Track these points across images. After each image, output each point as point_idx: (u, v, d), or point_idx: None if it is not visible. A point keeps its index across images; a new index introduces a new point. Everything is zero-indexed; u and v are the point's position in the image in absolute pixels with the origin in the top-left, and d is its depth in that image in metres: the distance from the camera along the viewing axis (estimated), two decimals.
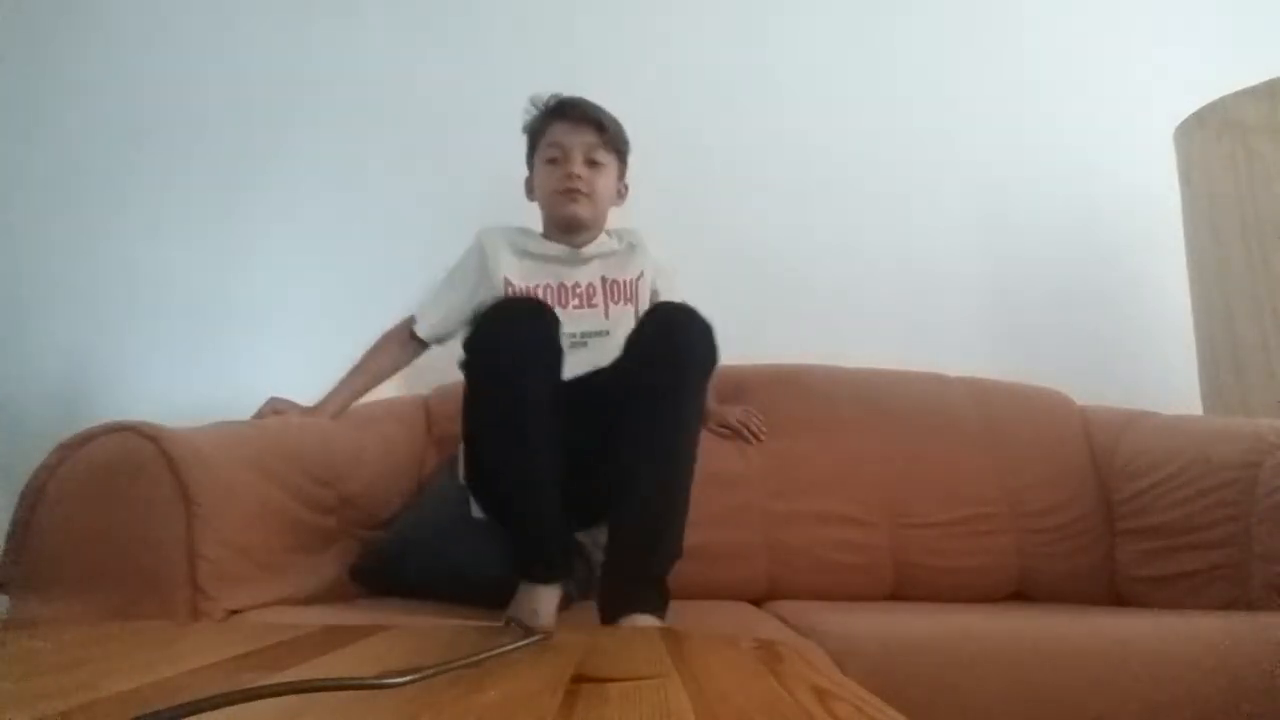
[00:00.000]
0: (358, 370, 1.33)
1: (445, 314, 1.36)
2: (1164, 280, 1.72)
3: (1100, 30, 1.88)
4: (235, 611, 0.90)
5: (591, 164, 1.33)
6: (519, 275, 1.32)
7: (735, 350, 1.45)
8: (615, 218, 1.42)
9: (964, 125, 1.83)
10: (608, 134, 1.35)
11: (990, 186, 1.82)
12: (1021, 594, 1.38)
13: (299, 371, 1.61)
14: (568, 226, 1.35)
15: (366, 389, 1.34)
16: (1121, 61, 1.86)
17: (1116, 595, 1.35)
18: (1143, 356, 1.75)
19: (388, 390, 1.52)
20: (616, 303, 1.33)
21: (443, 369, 1.35)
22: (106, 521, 0.86)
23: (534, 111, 1.38)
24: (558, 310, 1.25)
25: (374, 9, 1.78)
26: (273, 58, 1.75)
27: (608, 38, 1.78)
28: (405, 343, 1.36)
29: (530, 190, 1.42)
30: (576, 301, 1.32)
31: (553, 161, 1.33)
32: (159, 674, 0.47)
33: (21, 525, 0.84)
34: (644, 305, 1.34)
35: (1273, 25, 1.83)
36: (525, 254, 1.35)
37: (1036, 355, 1.72)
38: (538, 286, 1.32)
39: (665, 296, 1.35)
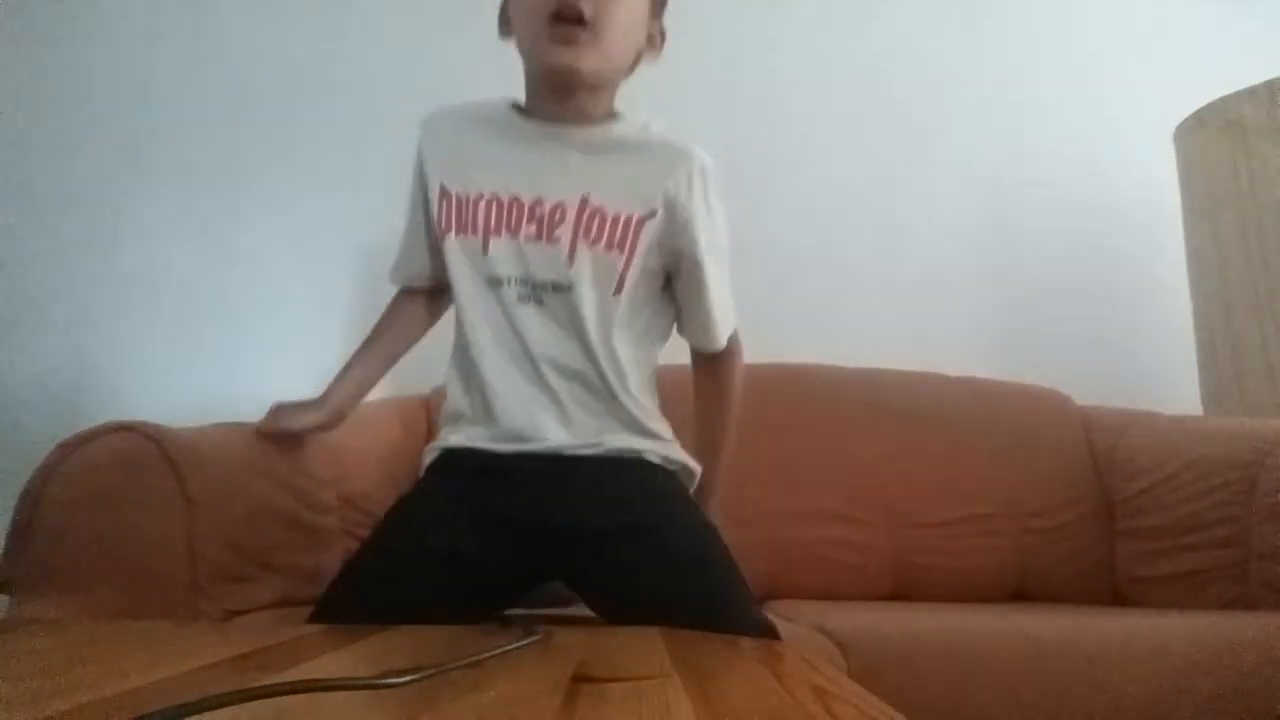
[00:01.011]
0: (363, 354, 1.02)
1: (404, 250, 1.00)
2: (1164, 280, 1.72)
3: (1100, 30, 1.88)
4: (235, 611, 0.90)
5: None
6: (458, 177, 0.89)
7: None
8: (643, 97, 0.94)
9: (963, 125, 1.83)
10: None
11: (990, 186, 1.82)
12: (1021, 594, 1.38)
13: (298, 371, 1.60)
14: (557, 84, 0.86)
15: (376, 376, 1.03)
16: (1121, 61, 1.86)
17: (1116, 595, 1.35)
18: (1143, 356, 1.75)
19: (387, 390, 1.52)
20: (595, 243, 0.85)
21: (443, 368, 1.34)
22: (107, 521, 0.86)
23: None
24: (499, 238, 0.86)
25: (373, 7, 1.78)
26: (272, 56, 1.75)
27: None
28: (401, 302, 1.03)
29: (505, 22, 0.90)
30: (533, 229, 0.86)
31: None
32: (159, 674, 0.47)
33: (22, 525, 0.84)
34: (641, 262, 0.87)
35: (1273, 25, 1.83)
36: (474, 139, 0.91)
37: (1036, 355, 1.72)
38: (479, 197, 0.87)
39: (691, 285, 0.90)
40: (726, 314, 0.96)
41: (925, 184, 1.81)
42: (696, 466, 0.96)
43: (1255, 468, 1.15)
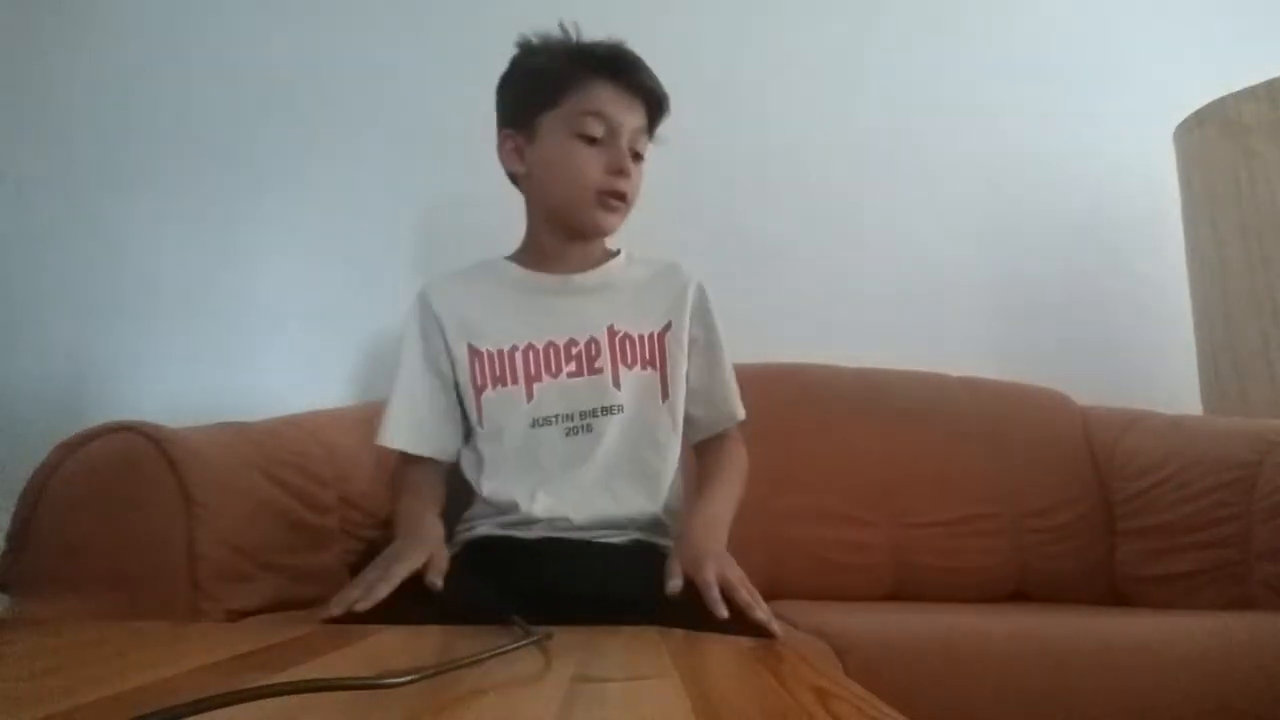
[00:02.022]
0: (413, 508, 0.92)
1: (419, 419, 0.96)
2: (1164, 280, 1.72)
3: (1101, 30, 1.88)
4: (235, 611, 0.90)
5: (635, 157, 0.96)
6: (484, 335, 0.95)
7: (735, 350, 1.45)
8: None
9: (963, 124, 1.83)
10: (658, 120, 0.99)
11: (990, 186, 1.82)
12: (1021, 594, 1.38)
13: (299, 371, 1.61)
14: (582, 235, 0.98)
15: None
16: (1121, 61, 1.86)
17: (1116, 595, 1.35)
18: (1143, 356, 1.75)
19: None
20: (632, 364, 0.95)
21: None
22: (107, 521, 0.86)
23: (546, 43, 0.98)
24: (543, 383, 0.92)
25: (374, 7, 1.77)
26: (275, 56, 1.75)
27: (601, 33, 1.77)
28: (423, 473, 0.96)
29: (518, 164, 0.97)
30: (573, 365, 0.93)
31: (593, 140, 0.92)
32: (159, 674, 0.47)
33: (22, 525, 0.84)
34: (674, 375, 0.96)
35: (1273, 25, 1.83)
36: (487, 297, 0.98)
37: (1036, 355, 1.72)
38: (514, 349, 0.94)
39: (710, 360, 0.99)
40: (737, 390, 1.01)
41: (925, 184, 1.81)
42: None
43: (1255, 468, 1.15)
